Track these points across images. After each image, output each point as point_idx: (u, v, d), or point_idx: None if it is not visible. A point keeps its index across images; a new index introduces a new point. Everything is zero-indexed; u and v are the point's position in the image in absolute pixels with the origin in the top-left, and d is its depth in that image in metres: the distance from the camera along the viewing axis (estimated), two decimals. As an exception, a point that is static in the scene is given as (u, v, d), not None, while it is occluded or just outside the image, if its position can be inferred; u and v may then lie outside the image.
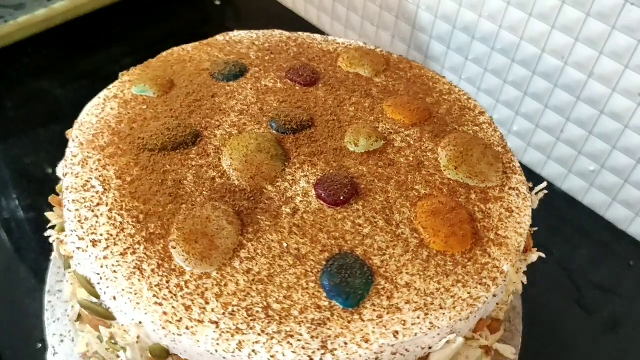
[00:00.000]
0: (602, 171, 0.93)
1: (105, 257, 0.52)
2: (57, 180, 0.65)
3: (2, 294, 0.79)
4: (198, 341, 0.47)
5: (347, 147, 0.63)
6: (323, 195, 0.57)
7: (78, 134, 0.62)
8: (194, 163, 0.59)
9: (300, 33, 0.82)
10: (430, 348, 0.51)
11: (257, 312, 0.49)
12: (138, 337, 0.50)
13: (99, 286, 0.51)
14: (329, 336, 0.48)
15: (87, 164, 0.59)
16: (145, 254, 0.52)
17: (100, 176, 0.57)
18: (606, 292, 0.86)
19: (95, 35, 1.21)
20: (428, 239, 0.55)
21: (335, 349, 0.47)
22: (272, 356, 0.47)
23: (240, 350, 0.47)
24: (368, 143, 0.63)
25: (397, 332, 0.49)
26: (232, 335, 0.47)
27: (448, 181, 0.61)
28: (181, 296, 0.49)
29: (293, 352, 0.47)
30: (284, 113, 0.64)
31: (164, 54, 0.75)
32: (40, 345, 0.72)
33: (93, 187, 0.56)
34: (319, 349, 0.47)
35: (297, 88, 0.70)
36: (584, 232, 0.94)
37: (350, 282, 0.51)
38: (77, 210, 0.55)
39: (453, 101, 0.72)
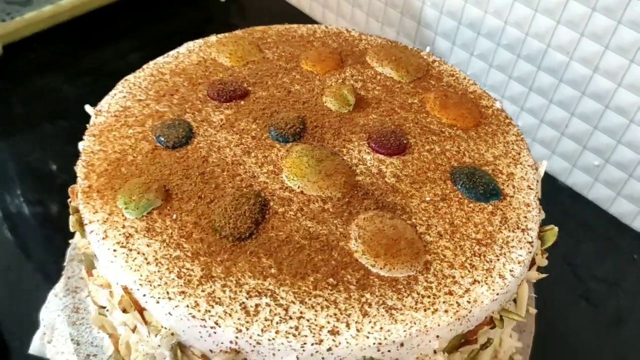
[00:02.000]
0: (606, 166, 0.94)
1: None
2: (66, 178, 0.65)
3: (9, 288, 0.80)
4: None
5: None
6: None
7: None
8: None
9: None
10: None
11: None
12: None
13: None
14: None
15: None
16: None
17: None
18: (610, 286, 0.87)
19: (101, 31, 1.22)
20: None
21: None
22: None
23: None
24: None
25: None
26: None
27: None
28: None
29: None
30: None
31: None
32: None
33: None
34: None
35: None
36: (588, 227, 0.95)
37: (485, 180, 0.60)
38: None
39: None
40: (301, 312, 0.49)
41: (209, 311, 0.49)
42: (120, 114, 0.64)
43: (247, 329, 0.48)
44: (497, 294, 0.53)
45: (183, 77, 0.70)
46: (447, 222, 0.57)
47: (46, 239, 0.82)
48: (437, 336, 0.51)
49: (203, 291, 0.50)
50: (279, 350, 0.48)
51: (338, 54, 0.75)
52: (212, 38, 0.76)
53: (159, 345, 0.52)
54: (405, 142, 0.63)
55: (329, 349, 0.48)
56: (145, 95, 0.66)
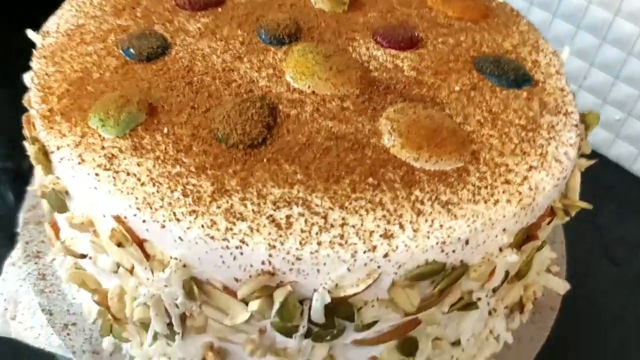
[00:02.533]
0: (629, 119, 0.85)
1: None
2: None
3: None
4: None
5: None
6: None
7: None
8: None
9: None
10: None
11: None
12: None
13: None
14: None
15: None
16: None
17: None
18: (634, 247, 0.81)
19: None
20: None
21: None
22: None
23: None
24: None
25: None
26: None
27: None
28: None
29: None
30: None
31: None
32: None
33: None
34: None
35: None
36: (609, 188, 0.88)
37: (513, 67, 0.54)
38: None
39: None
40: (343, 219, 0.41)
41: (231, 229, 0.39)
42: (73, 32, 0.53)
43: (282, 244, 0.39)
44: (557, 179, 0.46)
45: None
46: (485, 110, 0.50)
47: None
48: (504, 229, 0.43)
49: (218, 207, 0.40)
50: (324, 264, 0.39)
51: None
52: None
53: (165, 286, 0.41)
54: (416, 34, 0.55)
55: (386, 255, 0.39)
56: (100, 11, 0.55)
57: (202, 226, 0.39)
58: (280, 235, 0.39)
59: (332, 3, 0.57)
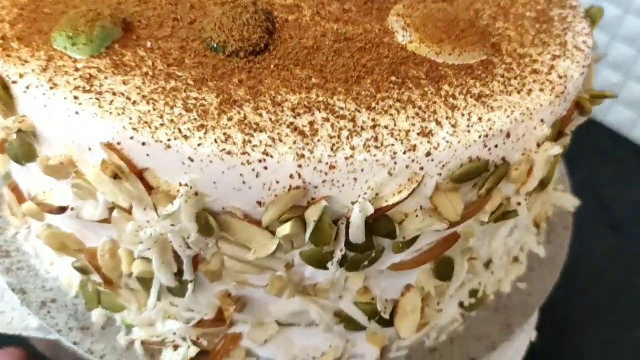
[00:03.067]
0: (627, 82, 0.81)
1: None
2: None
3: None
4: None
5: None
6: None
7: None
8: None
9: None
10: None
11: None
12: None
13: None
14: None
15: None
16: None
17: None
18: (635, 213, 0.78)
19: None
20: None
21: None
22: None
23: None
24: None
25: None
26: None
27: None
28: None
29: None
30: None
31: None
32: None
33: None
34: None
35: None
36: (606, 154, 0.84)
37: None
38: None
39: None
40: (373, 120, 0.36)
41: (249, 141, 0.33)
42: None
43: (312, 152, 0.34)
44: (583, 67, 0.43)
45: None
46: (492, 5, 0.46)
47: None
48: (542, 120, 0.39)
49: (230, 119, 0.34)
50: (361, 170, 0.34)
51: None
52: None
53: (172, 225, 0.35)
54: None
55: (428, 154, 0.35)
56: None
57: (215, 141, 0.33)
58: (307, 143, 0.34)
59: None
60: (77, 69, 0.36)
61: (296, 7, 0.42)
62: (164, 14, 0.40)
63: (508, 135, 0.37)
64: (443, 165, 0.36)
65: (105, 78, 0.36)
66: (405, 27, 0.41)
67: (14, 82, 0.36)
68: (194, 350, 0.43)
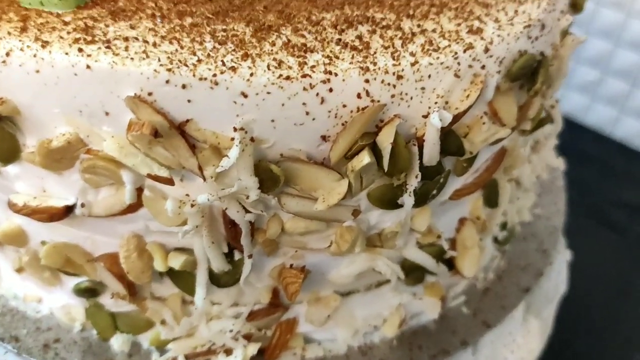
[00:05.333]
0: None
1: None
2: None
3: None
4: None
5: None
6: None
7: None
8: None
9: None
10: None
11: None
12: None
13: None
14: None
15: None
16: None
17: None
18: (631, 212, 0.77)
19: None
20: None
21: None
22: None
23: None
24: None
25: None
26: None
27: None
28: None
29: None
30: None
31: None
32: None
33: None
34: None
35: None
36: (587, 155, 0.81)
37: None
38: None
39: None
40: (419, 26, 0.33)
41: (305, 63, 0.29)
42: None
43: (375, 64, 0.30)
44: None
45: None
46: None
47: None
48: (562, 11, 0.39)
49: (273, 45, 0.30)
50: (429, 76, 0.31)
51: None
52: None
53: (228, 186, 0.30)
54: None
55: (486, 50, 0.33)
56: None
57: (269, 68, 0.29)
58: (366, 57, 0.30)
59: None
60: (65, 23, 0.30)
61: None
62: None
63: (543, 26, 0.36)
64: (500, 62, 0.33)
65: (107, 26, 0.30)
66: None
67: (-11, 54, 0.29)
68: (254, 348, 0.37)
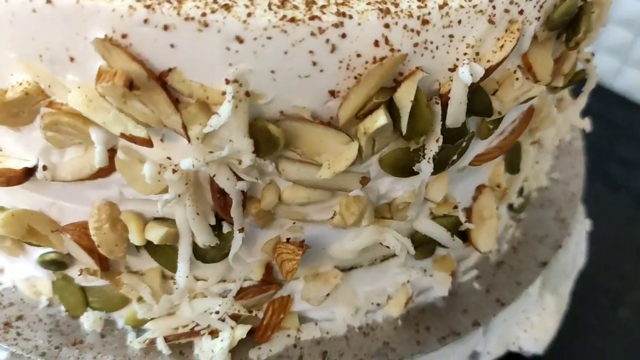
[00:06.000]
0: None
1: None
2: None
3: None
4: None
5: None
6: None
7: None
8: None
9: None
10: None
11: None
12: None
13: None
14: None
15: None
16: None
17: None
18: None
19: None
20: None
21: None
22: None
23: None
24: None
25: None
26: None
27: None
28: None
29: None
30: None
31: None
32: None
33: None
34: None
35: None
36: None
37: None
38: None
39: None
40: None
41: (313, 1, 0.25)
42: None
43: (397, 5, 0.26)
44: None
45: None
46: None
47: None
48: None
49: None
50: (459, 22, 0.27)
51: None
52: None
53: (217, 149, 0.25)
54: None
55: (526, -8, 0.28)
56: None
57: (270, 7, 0.24)
58: (385, -3, 0.26)
59: None
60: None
61: None
62: None
63: (582, -35, 0.32)
64: (541, 6, 0.29)
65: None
66: None
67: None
68: (242, 330, 0.33)
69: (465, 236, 0.37)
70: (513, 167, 0.38)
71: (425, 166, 0.30)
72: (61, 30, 0.24)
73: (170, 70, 0.24)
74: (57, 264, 0.32)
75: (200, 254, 0.30)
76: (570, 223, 0.45)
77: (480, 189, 0.37)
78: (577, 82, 0.37)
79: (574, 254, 0.46)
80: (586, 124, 0.46)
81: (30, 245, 0.31)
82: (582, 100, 0.40)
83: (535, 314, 0.43)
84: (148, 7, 0.23)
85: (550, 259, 0.43)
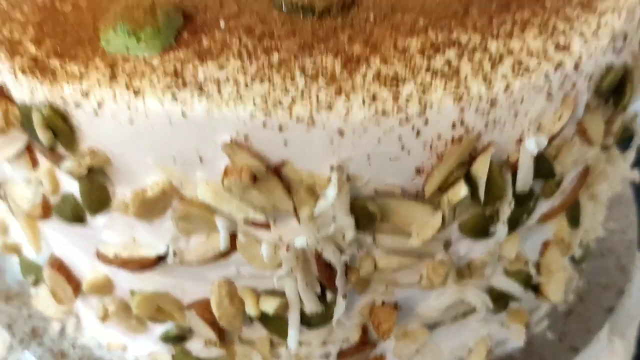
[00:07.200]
0: None
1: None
2: None
3: None
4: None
5: None
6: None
7: None
8: None
9: None
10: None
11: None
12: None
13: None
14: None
15: None
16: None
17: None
18: None
19: None
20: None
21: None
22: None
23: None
24: None
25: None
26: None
27: None
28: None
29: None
30: None
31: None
32: None
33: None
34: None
35: None
36: None
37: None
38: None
39: None
40: (505, 45, 0.32)
41: (399, 94, 0.29)
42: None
43: (468, 90, 0.29)
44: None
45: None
46: None
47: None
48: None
49: (364, 77, 0.29)
50: (521, 100, 0.31)
51: None
52: None
53: (326, 226, 0.29)
54: None
55: (576, 67, 0.32)
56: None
57: (364, 102, 0.28)
58: (458, 83, 0.30)
59: None
60: (154, 68, 0.29)
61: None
62: (219, -6, 0.34)
63: (626, 37, 0.35)
64: (590, 78, 0.33)
65: (195, 68, 0.29)
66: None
67: (77, 105, 0.29)
68: (345, 389, 0.36)
69: (536, 289, 0.40)
70: (574, 221, 0.41)
71: (501, 228, 0.33)
72: (193, 137, 0.28)
73: (284, 163, 0.29)
74: (178, 338, 0.35)
75: (306, 321, 0.34)
76: (631, 269, 0.48)
77: (546, 244, 0.40)
78: (625, 138, 0.41)
79: (637, 298, 0.48)
80: (636, 175, 0.49)
81: (155, 322, 0.35)
82: (631, 155, 0.43)
83: (606, 359, 0.45)
84: (265, 112, 0.28)
85: (615, 305, 0.45)
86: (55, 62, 0.30)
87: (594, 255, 0.49)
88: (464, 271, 0.36)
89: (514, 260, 0.37)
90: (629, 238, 0.50)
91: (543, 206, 0.37)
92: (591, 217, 0.46)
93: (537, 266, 0.40)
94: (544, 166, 0.33)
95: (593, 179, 0.40)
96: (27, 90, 0.30)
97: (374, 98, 0.29)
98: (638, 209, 0.53)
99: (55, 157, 0.31)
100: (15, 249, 0.41)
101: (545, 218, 0.37)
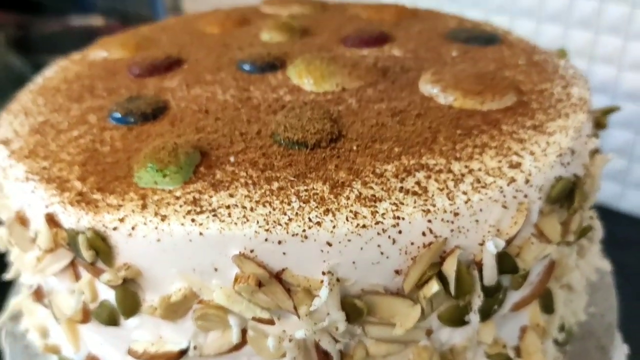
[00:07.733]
0: None
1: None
2: None
3: None
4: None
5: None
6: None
7: None
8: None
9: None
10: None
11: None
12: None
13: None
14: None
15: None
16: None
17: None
18: None
19: None
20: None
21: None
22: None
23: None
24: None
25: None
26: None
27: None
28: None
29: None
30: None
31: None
32: None
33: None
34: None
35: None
36: None
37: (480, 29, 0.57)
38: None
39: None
40: (466, 166, 0.39)
41: (376, 212, 0.35)
42: (41, 127, 0.45)
43: (434, 205, 0.36)
44: (588, 89, 0.49)
45: (84, 78, 0.54)
46: (491, 61, 0.52)
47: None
48: (587, 135, 0.45)
49: (348, 199, 0.36)
50: (480, 210, 0.37)
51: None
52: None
53: (320, 321, 0.35)
54: (383, 30, 0.57)
55: (527, 182, 0.38)
56: (51, 106, 0.49)
57: (347, 219, 0.35)
58: (426, 200, 0.36)
59: (284, 32, 0.57)
60: (177, 198, 0.36)
61: (339, 99, 0.46)
62: (227, 133, 0.42)
63: (573, 152, 0.42)
64: (540, 189, 0.39)
65: (210, 197, 0.36)
66: (444, 90, 0.45)
67: (115, 228, 0.36)
68: None
69: (518, 370, 0.45)
70: (548, 308, 0.46)
71: (474, 317, 0.39)
72: (209, 252, 0.35)
73: (283, 270, 0.35)
74: None
75: (308, 405, 0.39)
76: (610, 349, 0.52)
77: (524, 329, 0.45)
78: (585, 235, 0.47)
79: (617, 377, 0.52)
80: (606, 265, 0.54)
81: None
82: (596, 248, 0.49)
83: None
84: (267, 230, 0.34)
85: (594, 384, 0.50)
86: (97, 196, 0.37)
87: (576, 337, 0.53)
88: (447, 355, 0.41)
89: (493, 344, 0.42)
90: (609, 321, 0.55)
91: (514, 296, 0.42)
92: (568, 303, 0.51)
93: (517, 350, 0.45)
94: (507, 263, 0.39)
95: (561, 271, 0.45)
96: (74, 218, 0.37)
97: (355, 215, 0.35)
98: (617, 294, 0.58)
99: (95, 271, 0.37)
100: (55, 350, 0.47)
101: (518, 307, 0.42)
